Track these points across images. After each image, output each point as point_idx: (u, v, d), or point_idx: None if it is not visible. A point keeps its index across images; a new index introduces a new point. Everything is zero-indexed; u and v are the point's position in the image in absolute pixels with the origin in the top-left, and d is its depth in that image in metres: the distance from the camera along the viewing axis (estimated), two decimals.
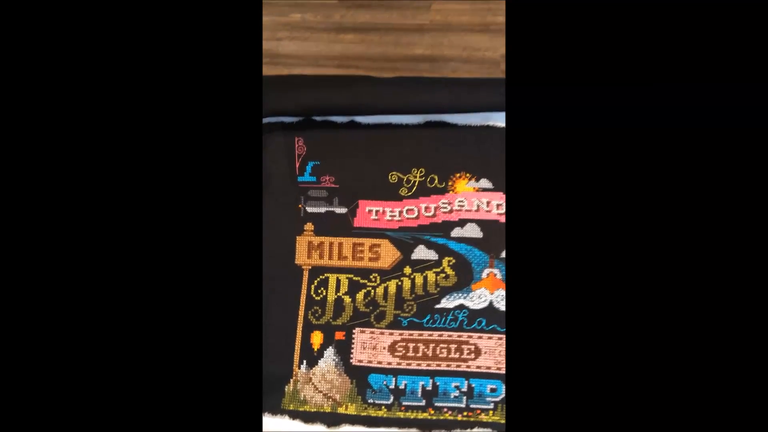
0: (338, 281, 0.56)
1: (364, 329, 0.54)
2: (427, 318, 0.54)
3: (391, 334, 0.54)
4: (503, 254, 0.55)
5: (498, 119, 0.57)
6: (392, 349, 0.54)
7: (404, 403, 0.52)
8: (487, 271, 0.55)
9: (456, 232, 0.56)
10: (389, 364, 0.53)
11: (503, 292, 0.54)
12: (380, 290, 0.55)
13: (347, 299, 0.55)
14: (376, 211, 0.57)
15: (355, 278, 0.56)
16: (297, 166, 0.59)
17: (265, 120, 0.59)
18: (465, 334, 0.53)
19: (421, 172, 0.57)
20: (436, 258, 0.55)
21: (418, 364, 0.53)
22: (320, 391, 0.53)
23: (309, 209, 0.58)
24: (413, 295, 0.55)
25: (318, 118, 0.59)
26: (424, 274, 0.55)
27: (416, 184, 0.57)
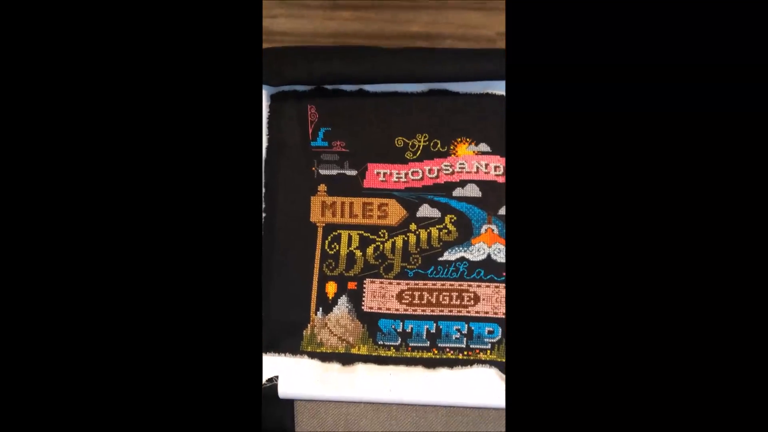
0: (350, 237, 0.61)
1: (374, 280, 0.60)
2: (431, 269, 0.60)
3: (399, 284, 0.60)
4: (500, 211, 0.60)
5: (496, 87, 0.62)
6: (400, 297, 0.60)
7: (411, 345, 0.59)
8: (485, 227, 0.60)
9: (457, 192, 0.61)
10: (397, 310, 0.59)
11: (500, 246, 0.60)
12: (388, 245, 0.61)
13: (358, 253, 0.61)
14: (384, 174, 0.62)
15: (365, 234, 0.61)
16: (310, 132, 0.64)
17: (280, 89, 0.64)
18: (465, 283, 0.59)
19: (425, 137, 0.62)
20: (439, 215, 0.61)
21: (423, 310, 0.59)
22: (335, 335, 0.60)
23: (322, 172, 0.63)
24: (418, 249, 0.61)
25: (329, 87, 0.63)
26: (428, 230, 0.61)
27: (420, 148, 0.62)
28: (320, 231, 0.62)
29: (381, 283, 0.60)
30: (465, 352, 0.58)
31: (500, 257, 0.60)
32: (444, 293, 0.59)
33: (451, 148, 0.62)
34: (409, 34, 0.67)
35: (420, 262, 0.60)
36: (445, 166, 0.62)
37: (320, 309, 0.60)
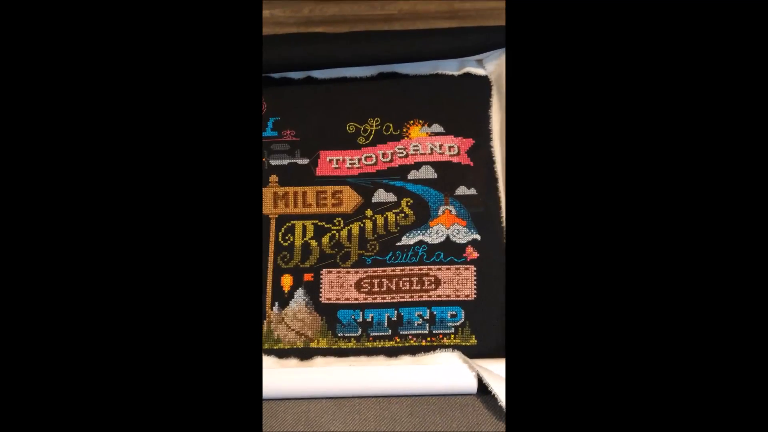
0: (304, 227, 0.59)
1: (330, 270, 0.58)
2: (390, 255, 0.58)
3: (357, 272, 0.58)
4: (457, 192, 0.59)
5: (446, 67, 0.61)
6: (358, 285, 0.57)
7: (372, 334, 0.56)
8: (442, 208, 0.59)
9: (412, 175, 0.60)
10: (356, 299, 0.57)
11: (459, 227, 0.58)
12: (344, 233, 0.59)
13: (313, 243, 0.59)
14: (337, 160, 0.60)
15: (320, 223, 0.59)
16: None
17: None
18: (425, 267, 0.57)
19: (377, 121, 0.61)
20: (395, 200, 0.59)
21: (383, 298, 0.57)
22: (293, 330, 0.57)
23: (273, 162, 0.61)
24: (375, 235, 0.58)
25: (276, 76, 0.62)
26: (385, 215, 0.59)
27: (373, 132, 0.61)
28: (273, 223, 0.60)
29: (338, 272, 0.58)
30: (428, 338, 0.56)
31: (459, 238, 0.58)
32: (404, 279, 0.57)
33: (404, 130, 0.61)
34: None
35: (378, 249, 0.58)
36: (399, 149, 0.60)
37: (276, 303, 0.57)
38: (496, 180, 0.59)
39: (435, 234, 0.58)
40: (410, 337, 0.56)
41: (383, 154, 0.60)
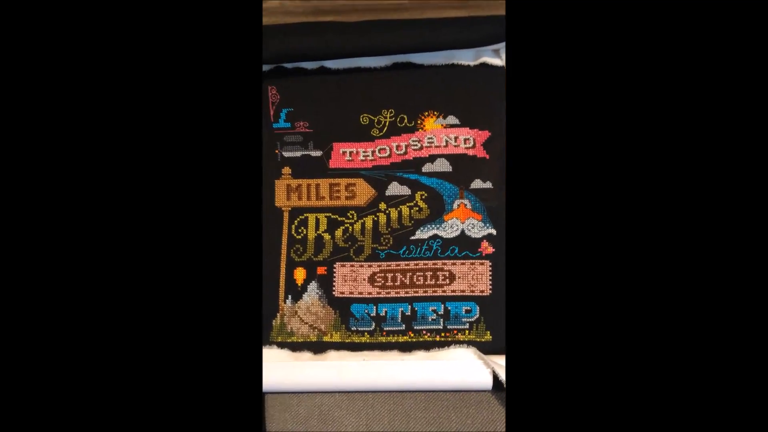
0: (317, 220, 0.58)
1: (344, 263, 0.57)
2: (403, 249, 0.57)
3: (370, 266, 0.57)
4: (472, 185, 0.58)
5: (461, 57, 0.60)
6: (372, 279, 0.57)
7: (385, 329, 0.56)
8: (457, 202, 0.58)
9: (427, 168, 0.59)
10: (370, 294, 0.57)
11: (474, 221, 0.57)
12: (357, 226, 0.58)
13: (327, 236, 0.58)
14: (350, 152, 0.60)
15: (333, 216, 0.58)
16: (271, 113, 0.61)
17: None
18: (440, 262, 0.57)
19: (391, 112, 0.60)
20: (409, 193, 0.58)
21: (397, 292, 0.56)
22: (306, 323, 0.57)
23: (285, 154, 0.60)
24: (389, 229, 0.58)
25: (289, 66, 0.61)
26: (399, 209, 0.58)
27: (387, 124, 0.60)
28: (286, 215, 0.59)
29: (352, 266, 0.57)
30: (442, 334, 0.55)
31: (474, 232, 0.57)
32: (418, 273, 0.57)
33: (419, 122, 0.60)
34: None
35: (391, 243, 0.57)
36: (413, 141, 0.59)
37: (289, 297, 0.57)
38: None
39: (450, 228, 0.57)
40: (424, 332, 0.55)
41: (397, 146, 0.59)
